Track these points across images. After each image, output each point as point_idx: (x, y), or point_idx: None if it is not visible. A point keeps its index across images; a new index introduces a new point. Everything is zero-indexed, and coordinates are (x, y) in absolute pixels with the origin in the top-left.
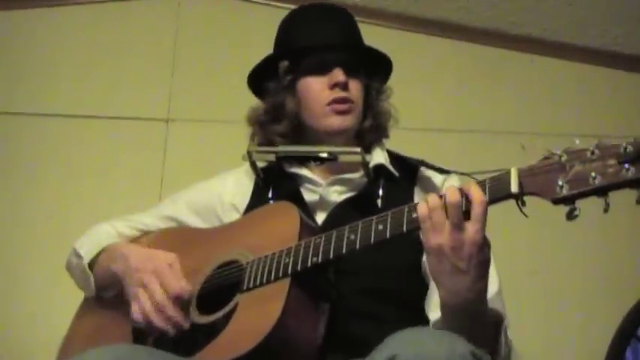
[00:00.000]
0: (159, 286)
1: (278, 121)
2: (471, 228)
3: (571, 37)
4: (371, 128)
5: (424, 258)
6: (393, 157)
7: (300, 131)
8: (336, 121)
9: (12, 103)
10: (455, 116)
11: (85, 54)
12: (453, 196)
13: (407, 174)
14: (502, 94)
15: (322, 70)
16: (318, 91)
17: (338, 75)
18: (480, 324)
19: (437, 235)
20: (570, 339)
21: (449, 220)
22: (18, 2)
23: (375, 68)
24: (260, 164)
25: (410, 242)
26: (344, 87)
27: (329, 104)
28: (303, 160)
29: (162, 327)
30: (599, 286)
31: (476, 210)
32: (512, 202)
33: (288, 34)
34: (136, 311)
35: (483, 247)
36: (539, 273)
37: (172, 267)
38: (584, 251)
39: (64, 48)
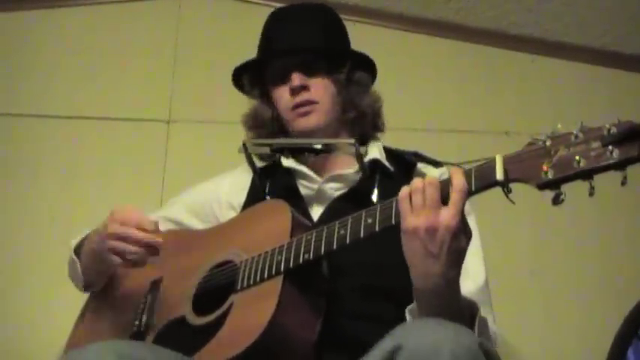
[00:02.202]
0: (120, 225)
1: (260, 127)
2: (446, 212)
3: (572, 37)
4: (354, 120)
5: None
6: (390, 152)
7: (285, 132)
8: (301, 123)
9: (13, 105)
10: (455, 117)
11: (85, 55)
12: (430, 178)
13: (403, 169)
14: (503, 94)
15: (283, 78)
16: (283, 98)
17: (293, 80)
18: (452, 313)
19: (414, 217)
20: (572, 339)
21: (426, 203)
22: (18, 4)
23: (339, 62)
24: (258, 164)
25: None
26: (301, 90)
27: (293, 109)
28: (298, 151)
29: (139, 252)
30: (600, 286)
31: (454, 196)
32: (510, 202)
33: (260, 40)
34: (115, 258)
35: (459, 234)
36: (539, 273)
37: (128, 207)
38: (585, 250)
39: (65, 49)
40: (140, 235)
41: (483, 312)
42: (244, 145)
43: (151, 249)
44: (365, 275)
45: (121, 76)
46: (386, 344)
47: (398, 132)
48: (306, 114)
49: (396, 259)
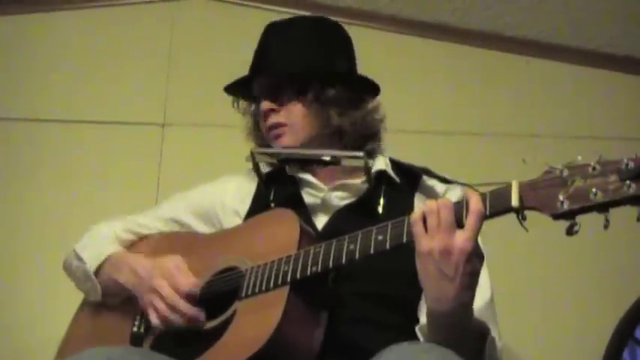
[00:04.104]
0: (169, 287)
1: (259, 138)
2: (462, 236)
3: (566, 39)
4: (334, 136)
5: None
6: (396, 164)
7: None
8: (277, 145)
9: (7, 109)
10: (450, 119)
11: (80, 59)
12: (445, 201)
13: (409, 181)
14: (498, 96)
15: (258, 102)
16: (261, 121)
17: (262, 105)
18: (464, 335)
19: (428, 240)
20: (567, 341)
21: (441, 225)
22: (13, 7)
23: (305, 83)
24: (264, 169)
25: (411, 249)
26: (271, 112)
27: (268, 132)
28: (306, 162)
29: (180, 324)
30: (595, 288)
31: (469, 219)
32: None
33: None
34: (153, 317)
35: (472, 257)
36: (535, 275)
37: (179, 267)
38: (581, 253)
39: (60, 53)
40: (184, 308)
41: (491, 329)
42: (252, 153)
43: (190, 321)
44: (369, 282)
45: (115, 80)
46: None
47: (392, 134)
48: (278, 136)
49: (402, 267)
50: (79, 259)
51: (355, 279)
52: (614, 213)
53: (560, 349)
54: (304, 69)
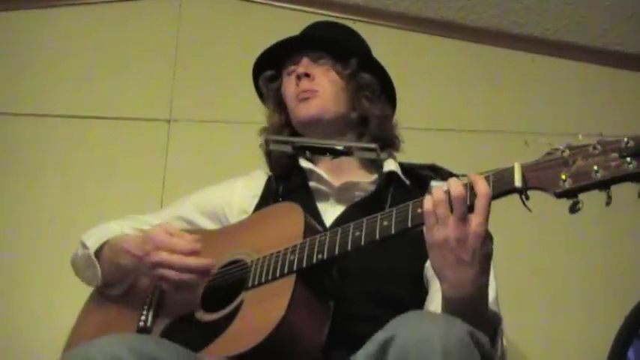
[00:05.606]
0: (170, 254)
1: (277, 132)
2: (474, 220)
3: (573, 37)
4: (358, 123)
5: (427, 264)
6: (405, 168)
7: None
8: (301, 110)
9: (13, 104)
10: (456, 116)
11: (86, 54)
12: (457, 190)
13: (418, 185)
14: (504, 93)
15: (292, 67)
16: (290, 88)
17: (298, 67)
18: (480, 322)
19: (442, 229)
20: (572, 338)
21: (453, 213)
22: (19, 3)
23: (345, 57)
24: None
25: (414, 250)
26: (304, 76)
27: (296, 97)
28: (319, 151)
29: (197, 280)
30: (601, 286)
31: (480, 203)
32: (513, 202)
33: None
34: (167, 288)
35: (486, 240)
36: (540, 272)
37: (170, 232)
38: (586, 250)
39: (66, 49)
40: (194, 264)
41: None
42: (266, 141)
43: (205, 274)
44: (372, 280)
45: (121, 76)
46: (380, 336)
47: (399, 132)
48: (306, 99)
49: (404, 267)
50: (84, 246)
51: (358, 278)
52: (619, 212)
53: (566, 346)
54: (349, 42)
